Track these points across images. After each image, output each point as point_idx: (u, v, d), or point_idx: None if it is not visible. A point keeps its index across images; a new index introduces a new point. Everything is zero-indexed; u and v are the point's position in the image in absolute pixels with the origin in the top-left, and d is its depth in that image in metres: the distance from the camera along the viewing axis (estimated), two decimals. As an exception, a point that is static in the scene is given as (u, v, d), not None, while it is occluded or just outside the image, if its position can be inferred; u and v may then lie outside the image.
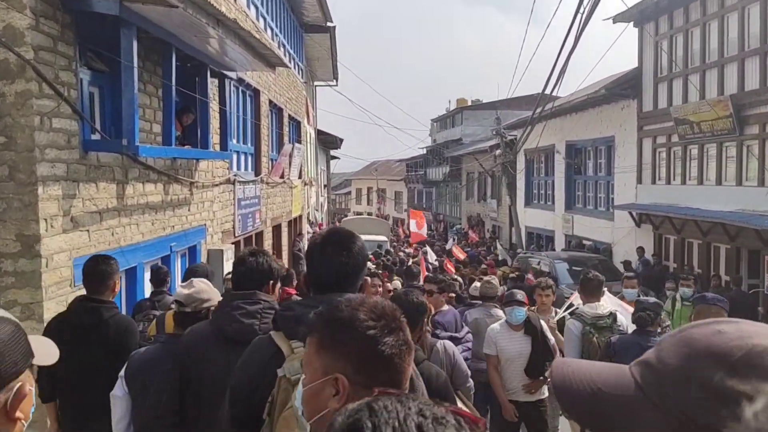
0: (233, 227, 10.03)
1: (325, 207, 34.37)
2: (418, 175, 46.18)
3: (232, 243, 9.86)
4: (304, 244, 17.94)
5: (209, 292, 3.10)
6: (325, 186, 34.91)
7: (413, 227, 23.78)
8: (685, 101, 14.13)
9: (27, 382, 1.32)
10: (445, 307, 5.87)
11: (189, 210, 7.91)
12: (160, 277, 5.75)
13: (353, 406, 0.83)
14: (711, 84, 13.37)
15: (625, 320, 5.57)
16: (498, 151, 22.76)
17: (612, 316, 5.29)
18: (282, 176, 14.46)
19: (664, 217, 14.93)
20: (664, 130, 15.05)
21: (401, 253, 19.52)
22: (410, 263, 13.70)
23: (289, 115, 16.09)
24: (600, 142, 18.76)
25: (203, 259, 8.44)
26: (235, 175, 10.03)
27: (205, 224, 8.53)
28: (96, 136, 5.59)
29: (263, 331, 2.54)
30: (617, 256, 16.89)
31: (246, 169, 11.75)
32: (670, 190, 14.78)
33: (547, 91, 13.49)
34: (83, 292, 5.33)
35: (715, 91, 13.06)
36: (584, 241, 19.31)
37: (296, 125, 17.83)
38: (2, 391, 1.26)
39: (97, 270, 3.93)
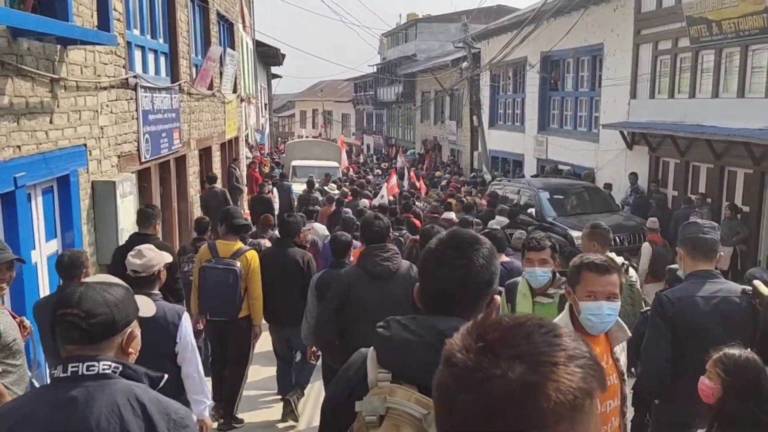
0: (138, 149, 7.28)
1: (267, 129, 31.28)
2: (368, 96, 43.02)
3: (136, 171, 7.16)
4: (242, 172, 15.21)
5: (157, 258, 3.60)
6: (266, 106, 31.69)
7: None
8: (698, -3, 11.76)
9: (135, 328, 1.92)
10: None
11: (51, 122, 5.16)
12: (202, 227, 7.14)
13: None
14: (732, -26, 11.00)
15: (635, 273, 4.95)
16: (465, 64, 20.07)
17: (623, 266, 4.41)
18: (210, 87, 11.57)
19: (664, 137, 12.82)
20: (668, 34, 12.73)
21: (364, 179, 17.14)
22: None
23: (218, 13, 12.99)
24: (584, 51, 16.33)
25: (84, 195, 5.75)
26: (135, 77, 7.20)
27: (84, 144, 5.79)
28: None
29: (394, 270, 4.06)
30: (601, 182, 14.83)
31: (158, 72, 8.87)
32: (674, 105, 12.61)
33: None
34: None
35: (739, -17, 10.71)
36: (561, 166, 17.19)
37: (228, 27, 14.72)
38: (119, 335, 1.85)
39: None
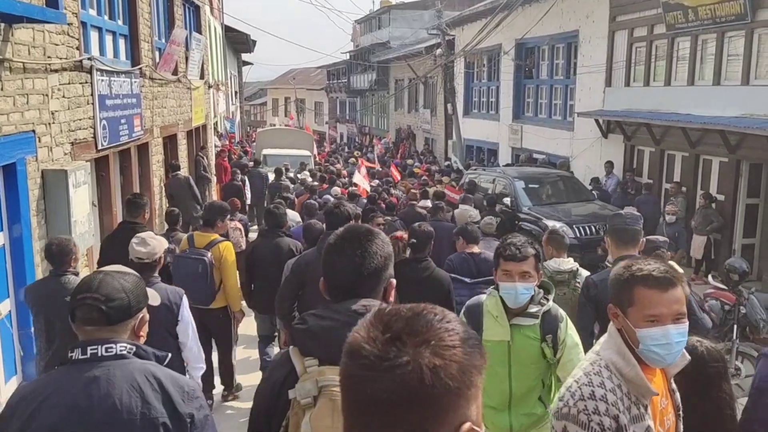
0: (94, 136, 6.87)
1: (238, 117, 30.69)
2: (341, 84, 42.51)
3: (92, 159, 6.75)
4: (209, 161, 14.75)
5: (159, 245, 4.02)
6: (236, 94, 31.07)
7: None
8: (674, -18, 11.62)
9: (145, 314, 2.11)
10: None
11: (-6, 106, 4.75)
12: (173, 219, 6.95)
13: None
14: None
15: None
16: (439, 51, 19.76)
17: (572, 272, 4.59)
18: (175, 72, 11.12)
19: (639, 126, 12.72)
20: (644, 21, 12.59)
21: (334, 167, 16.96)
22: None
23: (184, -6, 12.51)
24: (559, 39, 16.15)
25: (33, 185, 5.36)
26: (90, 60, 6.77)
27: (32, 130, 5.39)
28: None
29: None
30: (577, 171, 14.70)
31: (117, 56, 8.42)
32: (649, 92, 12.50)
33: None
34: None
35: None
36: (535, 155, 17.04)
37: (194, 10, 14.21)
38: (132, 319, 2.03)
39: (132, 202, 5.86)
